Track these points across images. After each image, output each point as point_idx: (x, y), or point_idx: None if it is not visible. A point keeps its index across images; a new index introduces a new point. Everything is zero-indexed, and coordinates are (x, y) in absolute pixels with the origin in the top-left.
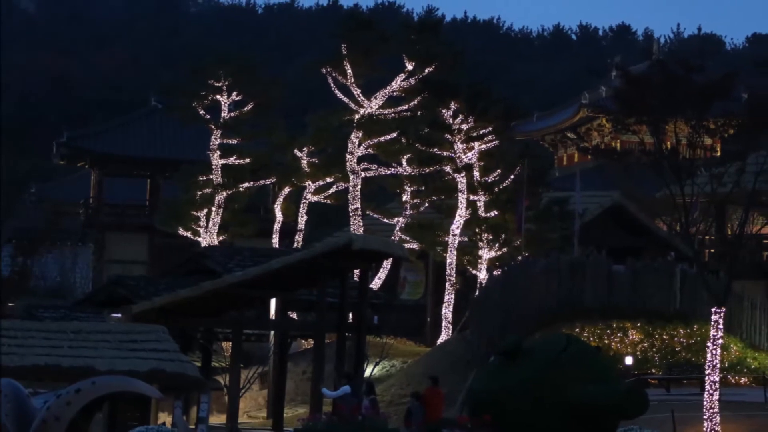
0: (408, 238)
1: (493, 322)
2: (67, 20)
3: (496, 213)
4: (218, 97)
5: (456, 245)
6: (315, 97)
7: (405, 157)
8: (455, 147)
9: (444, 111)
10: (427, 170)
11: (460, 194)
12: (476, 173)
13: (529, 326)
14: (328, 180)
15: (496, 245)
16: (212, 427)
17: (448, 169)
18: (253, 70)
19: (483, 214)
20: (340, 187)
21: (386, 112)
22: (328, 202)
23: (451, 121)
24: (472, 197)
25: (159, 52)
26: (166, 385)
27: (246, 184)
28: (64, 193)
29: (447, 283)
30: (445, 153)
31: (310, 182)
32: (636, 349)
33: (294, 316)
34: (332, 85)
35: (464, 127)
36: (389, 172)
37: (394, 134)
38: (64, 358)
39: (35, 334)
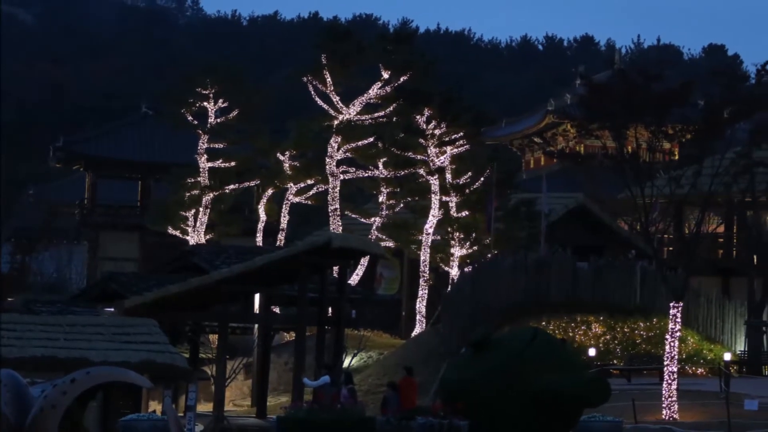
0: (384, 237)
1: (463, 316)
2: (63, 31)
3: (467, 213)
4: (205, 104)
5: (429, 243)
6: (296, 103)
7: (381, 160)
8: (428, 151)
9: (418, 117)
10: (402, 173)
11: (433, 195)
12: (448, 176)
13: (498, 320)
14: (309, 182)
15: (467, 243)
16: (199, 414)
17: (421, 171)
18: (238, 78)
19: (455, 214)
20: (320, 189)
21: (363, 118)
22: (309, 203)
23: (424, 127)
24: (444, 198)
25: (149, 61)
26: (157, 376)
27: (231, 186)
28: (60, 194)
29: (421, 279)
30: (419, 157)
31: (291, 184)
32: (599, 342)
33: (277, 310)
34: (313, 92)
35: (437, 132)
36: (366, 174)
37: (371, 139)
38: (61, 350)
39: (33, 328)
